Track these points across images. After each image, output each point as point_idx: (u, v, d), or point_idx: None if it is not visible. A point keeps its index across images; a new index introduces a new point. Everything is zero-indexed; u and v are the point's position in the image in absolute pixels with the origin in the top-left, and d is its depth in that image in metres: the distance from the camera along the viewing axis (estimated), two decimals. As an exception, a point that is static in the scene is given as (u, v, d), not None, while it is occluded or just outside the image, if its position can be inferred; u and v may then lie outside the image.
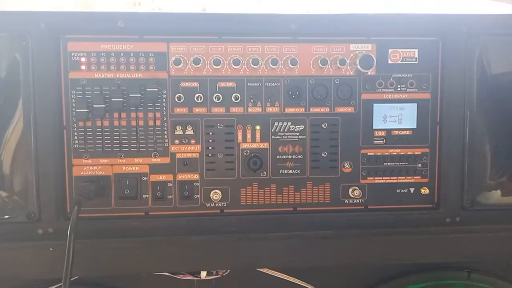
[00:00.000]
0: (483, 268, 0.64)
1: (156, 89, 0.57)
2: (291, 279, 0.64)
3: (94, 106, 0.56)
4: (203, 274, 0.60)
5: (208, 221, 0.59)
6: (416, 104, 0.60)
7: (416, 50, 0.60)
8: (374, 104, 0.60)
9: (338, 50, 0.59)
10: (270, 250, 0.60)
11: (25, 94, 0.55)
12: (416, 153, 0.61)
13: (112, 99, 0.56)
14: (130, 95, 0.56)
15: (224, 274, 0.62)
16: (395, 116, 0.60)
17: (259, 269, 0.63)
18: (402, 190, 0.61)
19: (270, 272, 0.63)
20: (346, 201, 0.61)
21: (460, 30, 0.59)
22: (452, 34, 0.59)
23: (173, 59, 0.56)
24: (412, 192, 0.61)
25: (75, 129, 0.57)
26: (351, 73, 0.59)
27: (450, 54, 0.59)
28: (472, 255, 0.61)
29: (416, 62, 0.60)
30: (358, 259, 0.61)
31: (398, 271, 0.64)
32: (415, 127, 0.60)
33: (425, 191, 0.61)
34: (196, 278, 0.60)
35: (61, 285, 0.57)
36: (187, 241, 0.59)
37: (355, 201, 0.61)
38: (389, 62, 0.59)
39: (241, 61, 0.57)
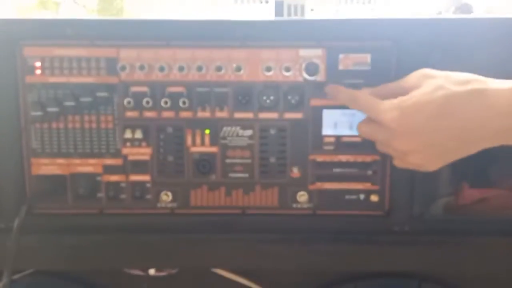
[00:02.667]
0: (435, 277, 0.64)
1: (107, 94, 0.59)
2: (242, 280, 0.66)
3: (48, 109, 0.59)
4: (152, 270, 0.63)
5: (159, 221, 0.62)
6: (367, 110, 0.59)
7: (369, 55, 0.58)
8: (324, 110, 0.59)
9: (287, 56, 0.58)
10: (219, 251, 0.62)
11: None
12: (366, 160, 0.60)
13: (65, 103, 0.59)
14: (81, 99, 0.59)
15: (173, 272, 0.64)
16: (346, 123, 0.59)
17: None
18: (351, 197, 0.61)
19: (221, 272, 0.65)
20: (295, 205, 0.61)
21: (415, 34, 0.57)
22: (407, 38, 0.57)
23: (120, 65, 0.58)
24: (361, 199, 0.61)
25: (32, 131, 0.60)
26: (300, 78, 0.58)
27: (405, 59, 0.57)
28: (419, 265, 0.60)
29: (369, 68, 0.58)
30: (305, 264, 0.62)
31: (347, 275, 0.65)
32: (366, 134, 0.59)
33: (375, 198, 0.61)
34: (144, 274, 0.63)
35: (23, 275, 0.62)
36: (139, 239, 0.61)
37: (303, 205, 0.61)
38: (340, 68, 0.58)
39: (189, 67, 0.58)
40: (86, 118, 0.60)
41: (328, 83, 0.58)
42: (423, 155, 0.47)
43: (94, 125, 0.60)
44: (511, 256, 0.59)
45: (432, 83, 0.46)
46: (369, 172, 0.60)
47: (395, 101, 0.47)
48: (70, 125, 0.60)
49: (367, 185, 0.61)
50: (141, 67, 0.57)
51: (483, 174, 0.60)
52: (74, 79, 0.59)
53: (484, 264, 0.60)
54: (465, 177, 0.60)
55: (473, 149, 0.47)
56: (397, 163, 0.52)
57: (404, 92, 0.48)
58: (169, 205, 0.62)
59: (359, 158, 0.60)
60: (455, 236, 0.59)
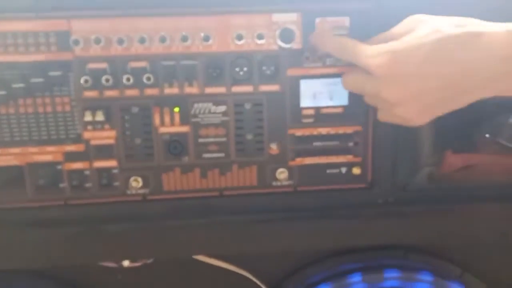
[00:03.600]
0: (420, 247, 0.63)
1: (60, 72, 0.53)
2: (224, 264, 0.63)
3: (-6, 93, 0.52)
4: (125, 262, 0.59)
5: (129, 209, 0.57)
6: (347, 79, 0.55)
7: (347, 18, 0.54)
8: (301, 81, 0.55)
9: (259, 22, 0.53)
10: (196, 236, 0.58)
11: None
12: (347, 131, 0.57)
13: (13, 85, 0.52)
14: (31, 80, 0.52)
15: (149, 262, 0.61)
16: (325, 93, 0.56)
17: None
18: (333, 171, 0.58)
19: (201, 258, 0.62)
20: (274, 183, 0.58)
21: (397, -6, 0.53)
22: (388, -1, 0.53)
23: (73, 39, 0.51)
24: (343, 172, 0.58)
25: (-21, 118, 0.53)
26: (274, 47, 0.54)
27: (388, 22, 0.53)
28: (405, 236, 0.59)
29: (347, 32, 0.54)
30: (289, 244, 0.59)
31: (332, 250, 0.63)
32: (346, 104, 0.56)
33: (357, 170, 0.58)
34: (117, 265, 0.59)
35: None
36: (108, 229, 0.57)
37: (283, 183, 0.58)
38: (317, 33, 0.54)
39: (151, 38, 0.52)
40: (39, 101, 0.53)
41: (304, 51, 0.54)
42: (411, 107, 0.44)
43: (49, 109, 0.54)
44: (496, 222, 0.59)
45: (426, 26, 0.43)
46: (351, 144, 0.57)
47: (384, 45, 0.44)
48: (21, 110, 0.54)
49: (349, 158, 0.58)
50: (97, 40, 0.51)
51: (466, 140, 0.58)
52: (22, 58, 0.52)
53: (470, 232, 0.59)
54: (449, 145, 0.58)
55: (466, 99, 0.43)
56: (382, 116, 0.48)
57: (396, 38, 0.44)
58: (140, 191, 0.57)
59: (340, 130, 0.57)
60: (440, 205, 0.58)
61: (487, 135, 0.58)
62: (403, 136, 0.56)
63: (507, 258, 0.65)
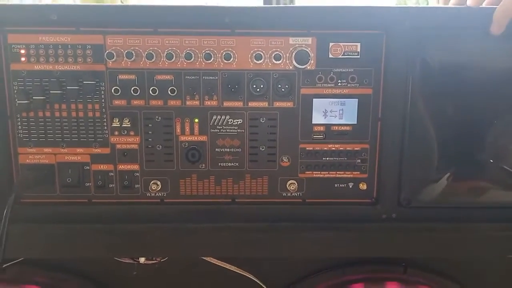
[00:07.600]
0: (421, 262, 0.65)
1: (94, 82, 0.58)
2: (232, 267, 0.66)
3: (34, 98, 0.58)
4: (142, 259, 0.63)
5: (148, 210, 0.61)
6: (357, 99, 0.59)
7: (359, 44, 0.58)
8: (314, 99, 0.59)
9: (277, 44, 0.58)
10: (208, 240, 0.62)
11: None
12: (355, 148, 0.61)
13: (51, 91, 0.58)
14: (68, 87, 0.58)
15: (162, 260, 0.65)
16: (335, 112, 0.60)
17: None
18: (340, 185, 0.62)
19: (211, 259, 0.65)
20: (284, 194, 0.62)
21: (405, 23, 0.57)
22: (397, 27, 0.57)
23: (106, 53, 0.57)
24: (350, 187, 0.62)
25: (19, 119, 0.59)
26: (290, 67, 0.58)
27: (394, 48, 0.57)
28: (406, 252, 0.61)
29: (358, 57, 0.58)
30: (295, 252, 0.62)
31: (334, 262, 0.66)
32: (355, 122, 0.60)
33: (363, 186, 0.61)
34: (135, 262, 0.64)
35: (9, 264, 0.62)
36: (128, 228, 0.61)
37: (292, 194, 0.62)
38: (330, 56, 0.58)
39: (177, 54, 0.57)
40: (73, 106, 0.59)
41: (317, 72, 0.58)
42: None
43: (81, 114, 0.59)
44: (496, 242, 0.61)
45: None
46: (358, 161, 0.61)
47: None
48: (56, 114, 0.59)
49: (356, 174, 0.61)
50: (129, 55, 0.57)
51: (470, 164, 0.61)
52: (60, 67, 0.58)
53: (470, 250, 0.61)
54: (453, 165, 0.60)
55: None
56: None
57: None
58: (158, 194, 0.61)
59: (348, 147, 0.60)
60: (442, 223, 0.60)
61: (491, 160, 0.61)
62: (408, 155, 0.59)
63: (505, 278, 0.67)
